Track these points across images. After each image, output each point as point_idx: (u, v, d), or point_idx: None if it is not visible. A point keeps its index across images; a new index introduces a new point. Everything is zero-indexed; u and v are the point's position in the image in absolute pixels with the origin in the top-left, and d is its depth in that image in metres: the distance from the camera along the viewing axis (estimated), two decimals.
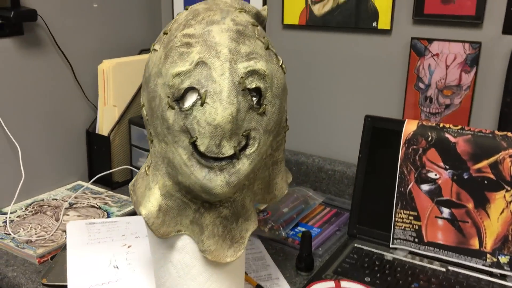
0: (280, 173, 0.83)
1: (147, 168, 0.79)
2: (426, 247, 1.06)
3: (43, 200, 1.31)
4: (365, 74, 1.30)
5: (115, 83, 1.37)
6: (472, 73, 1.15)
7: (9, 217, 1.20)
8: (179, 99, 0.68)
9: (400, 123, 1.09)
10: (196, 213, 0.76)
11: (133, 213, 1.24)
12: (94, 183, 1.38)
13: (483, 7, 1.11)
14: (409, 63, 1.21)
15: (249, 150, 0.70)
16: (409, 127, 1.07)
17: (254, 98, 0.69)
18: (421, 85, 1.21)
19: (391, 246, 1.09)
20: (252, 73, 0.68)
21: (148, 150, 1.03)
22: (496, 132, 1.01)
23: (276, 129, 0.75)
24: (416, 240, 1.06)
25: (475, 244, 1.02)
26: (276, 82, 0.72)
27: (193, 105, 0.67)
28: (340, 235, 1.18)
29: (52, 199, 1.31)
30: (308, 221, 1.22)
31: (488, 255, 1.01)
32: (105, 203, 1.29)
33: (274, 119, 0.73)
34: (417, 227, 1.06)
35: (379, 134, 1.12)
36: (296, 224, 1.20)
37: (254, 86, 0.68)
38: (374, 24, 1.24)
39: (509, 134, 1.00)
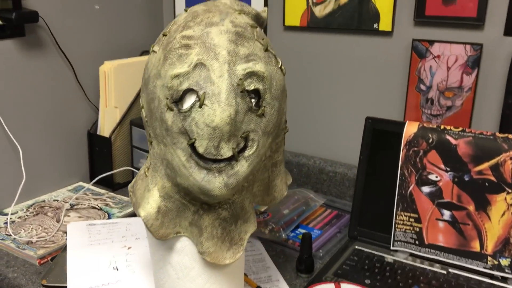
0: (279, 175, 0.83)
1: (146, 169, 0.79)
2: (427, 249, 1.05)
3: (44, 201, 1.31)
4: (367, 75, 1.30)
5: (117, 84, 1.38)
6: (473, 75, 1.14)
7: (10, 218, 1.20)
8: (178, 100, 0.68)
9: (401, 125, 1.08)
10: (195, 215, 0.76)
11: (134, 214, 1.24)
12: (95, 184, 1.38)
13: (484, 9, 1.10)
14: (410, 65, 1.21)
15: (247, 152, 0.70)
16: (410, 129, 1.07)
17: (253, 100, 0.69)
18: (422, 87, 1.21)
19: (391, 248, 1.09)
20: (251, 74, 0.68)
21: (149, 152, 1.03)
22: (497, 134, 1.00)
23: (275, 131, 0.75)
24: (417, 242, 1.06)
25: (476, 246, 1.01)
26: (275, 84, 0.72)
27: (192, 106, 0.67)
28: (340, 237, 1.18)
29: (53, 200, 1.31)
30: (308, 223, 1.21)
31: (489, 258, 1.00)
32: (106, 204, 1.29)
33: (273, 120, 0.72)
34: (417, 229, 1.06)
35: (380, 136, 1.12)
36: (297, 226, 1.19)
37: (252, 87, 0.68)
38: (375, 25, 1.24)
39: (510, 136, 0.99)
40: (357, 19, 1.26)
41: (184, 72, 0.67)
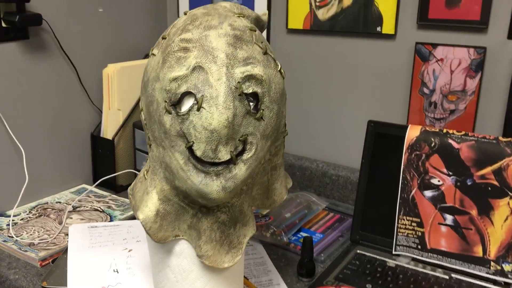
0: (279, 178, 0.83)
1: (145, 172, 0.79)
2: (429, 254, 1.04)
3: (47, 203, 1.31)
4: (370, 79, 1.29)
5: (120, 87, 1.38)
6: (477, 78, 1.13)
7: (13, 220, 1.20)
8: (176, 103, 0.68)
9: (403, 128, 1.08)
10: (194, 218, 0.75)
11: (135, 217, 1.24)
12: (98, 186, 1.39)
13: (488, 12, 1.10)
14: (414, 68, 1.20)
15: (246, 155, 0.70)
16: (412, 132, 1.06)
17: (251, 103, 0.69)
18: (426, 90, 1.20)
19: (393, 252, 1.08)
20: (249, 78, 0.68)
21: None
22: (500, 138, 0.99)
23: (274, 134, 0.75)
24: (419, 247, 1.05)
25: (478, 251, 1.00)
26: (274, 87, 0.71)
27: (190, 109, 0.67)
28: (343, 241, 1.17)
29: (56, 202, 1.32)
30: (311, 227, 1.21)
31: (492, 263, 0.99)
32: (109, 207, 1.29)
33: (272, 124, 0.72)
34: (420, 234, 1.05)
35: (382, 140, 1.11)
36: (299, 229, 1.19)
37: (251, 91, 0.68)
38: (379, 28, 1.23)
39: None
40: (360, 22, 1.25)
41: (182, 75, 0.67)
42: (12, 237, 1.12)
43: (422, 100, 1.21)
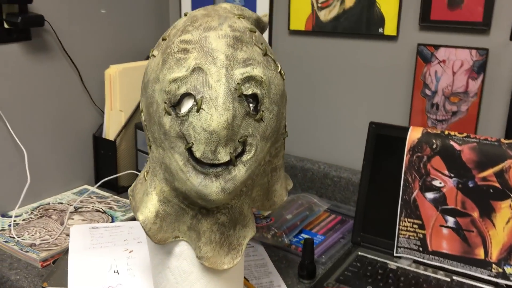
0: (279, 179, 0.82)
1: (145, 173, 0.79)
2: (431, 256, 1.04)
3: (49, 203, 1.31)
4: (372, 80, 1.29)
5: (122, 88, 1.38)
6: (479, 80, 1.13)
7: (15, 221, 1.20)
8: (176, 105, 0.68)
9: (405, 130, 1.07)
10: (194, 219, 0.75)
11: None
12: (100, 187, 1.39)
13: (490, 13, 1.09)
14: (416, 70, 1.20)
15: (245, 157, 0.70)
16: (414, 134, 1.06)
17: (251, 105, 0.69)
18: (428, 92, 1.20)
19: (395, 254, 1.08)
20: (249, 79, 0.68)
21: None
22: (502, 140, 0.99)
23: (274, 135, 0.74)
24: (421, 249, 1.05)
25: (480, 254, 1.00)
26: (274, 89, 0.71)
27: (189, 111, 0.67)
28: (344, 242, 1.17)
29: (58, 203, 1.32)
30: (312, 228, 1.21)
31: (494, 266, 0.99)
32: (110, 208, 1.30)
33: (272, 125, 0.72)
34: (421, 236, 1.05)
35: (384, 141, 1.11)
36: (300, 231, 1.19)
37: (250, 92, 0.68)
38: (380, 30, 1.23)
39: None
40: (362, 23, 1.25)
41: (182, 77, 0.67)
42: (14, 237, 1.13)
43: (424, 102, 1.21)
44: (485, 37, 1.12)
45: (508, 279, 0.97)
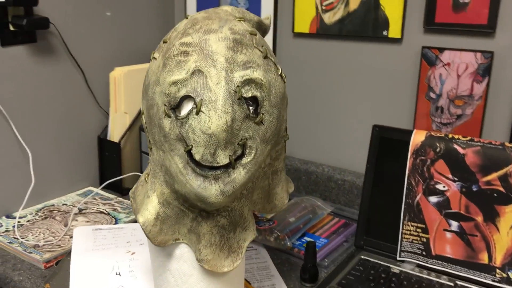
0: (280, 182, 0.82)
1: (146, 175, 0.79)
2: (434, 260, 1.03)
3: (53, 205, 1.32)
4: (376, 83, 1.29)
5: (126, 90, 1.39)
6: (484, 83, 1.12)
7: (19, 222, 1.21)
8: (176, 107, 0.68)
9: (408, 133, 1.07)
10: (194, 222, 0.75)
11: None
12: (105, 189, 1.39)
13: (495, 16, 1.08)
14: (420, 73, 1.19)
15: (245, 160, 0.69)
16: (417, 137, 1.05)
17: (251, 107, 0.69)
18: (432, 95, 1.19)
19: (398, 258, 1.07)
20: (249, 82, 0.67)
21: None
22: (506, 144, 0.98)
23: (275, 138, 0.74)
24: (424, 253, 1.04)
25: (484, 258, 0.99)
26: (274, 91, 0.71)
27: (189, 113, 0.67)
28: (347, 246, 1.16)
29: (63, 204, 1.32)
30: (315, 231, 1.20)
31: (498, 270, 0.98)
32: (114, 209, 1.30)
33: (272, 128, 0.72)
34: (425, 240, 1.04)
35: (387, 144, 1.10)
36: (303, 234, 1.18)
37: (250, 95, 0.68)
38: (385, 32, 1.23)
39: None
40: (367, 26, 1.25)
41: (181, 79, 0.67)
42: (18, 238, 1.13)
43: (429, 105, 1.20)
44: (490, 40, 1.11)
45: None
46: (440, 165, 1.02)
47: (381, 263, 1.07)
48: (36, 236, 1.15)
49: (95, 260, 1.02)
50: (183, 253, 0.78)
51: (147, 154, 1.42)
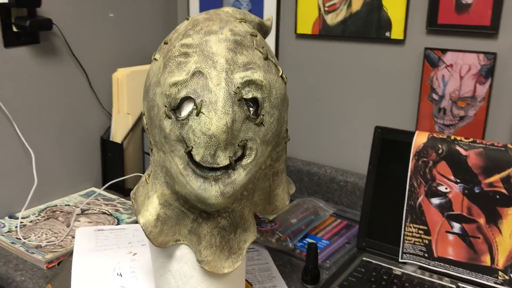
0: (281, 184, 0.82)
1: (147, 176, 0.79)
2: (436, 262, 1.03)
3: (56, 205, 1.32)
4: (378, 84, 1.28)
5: (129, 91, 1.39)
6: (487, 84, 1.12)
7: (21, 222, 1.22)
8: (176, 108, 0.68)
9: (410, 134, 1.06)
10: (194, 223, 0.75)
11: None
12: (107, 189, 1.40)
13: (498, 17, 1.08)
14: (423, 74, 1.19)
15: (245, 161, 0.69)
16: (420, 139, 1.05)
17: (251, 109, 0.69)
18: (435, 96, 1.19)
19: (400, 260, 1.07)
20: (249, 83, 0.67)
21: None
22: (509, 145, 0.98)
23: (275, 139, 0.74)
24: (426, 255, 1.04)
25: (486, 260, 0.99)
26: (274, 93, 0.71)
27: (189, 114, 0.67)
28: (349, 247, 1.16)
29: (65, 205, 1.33)
30: (317, 233, 1.20)
31: (500, 273, 0.97)
32: (116, 210, 1.30)
33: (273, 129, 0.72)
34: (427, 242, 1.04)
35: (389, 146, 1.10)
36: (305, 235, 1.18)
37: (250, 96, 0.68)
38: (387, 34, 1.22)
39: None
40: (369, 27, 1.25)
41: (182, 80, 0.67)
42: (20, 239, 1.14)
43: (431, 106, 1.20)
44: (493, 41, 1.10)
45: None
46: (442, 166, 1.02)
47: (383, 265, 1.07)
48: (39, 237, 1.15)
49: (96, 261, 1.02)
50: (184, 254, 0.78)
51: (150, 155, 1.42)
